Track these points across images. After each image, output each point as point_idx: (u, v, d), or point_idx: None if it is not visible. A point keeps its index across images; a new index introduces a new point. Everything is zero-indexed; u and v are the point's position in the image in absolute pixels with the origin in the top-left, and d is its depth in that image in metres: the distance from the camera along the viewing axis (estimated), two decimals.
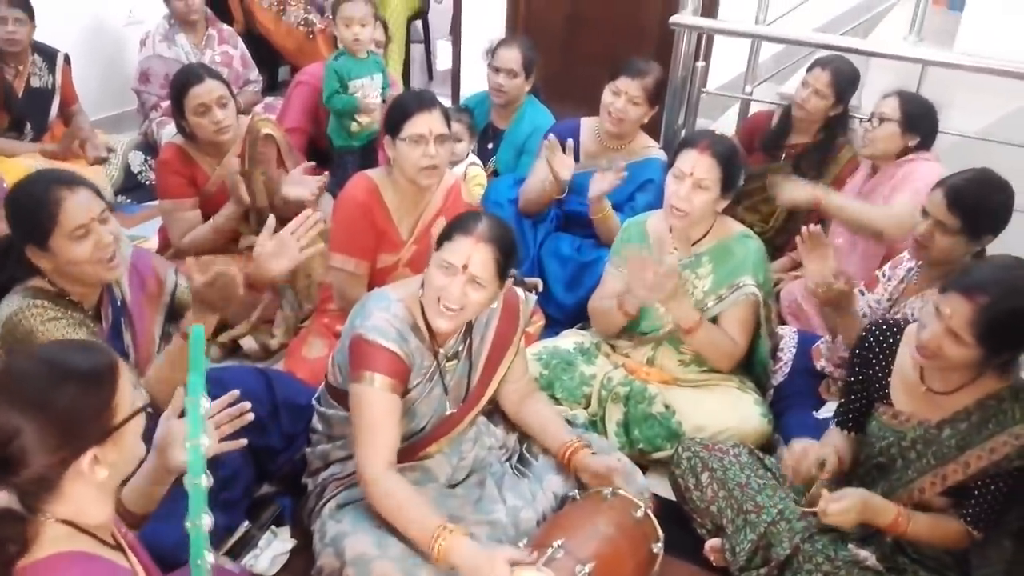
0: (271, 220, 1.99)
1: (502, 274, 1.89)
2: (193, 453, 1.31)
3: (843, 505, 1.79)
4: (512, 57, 3.35)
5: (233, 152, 2.89)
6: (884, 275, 2.42)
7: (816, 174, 3.15)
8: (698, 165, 2.32)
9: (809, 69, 3.16)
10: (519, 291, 2.16)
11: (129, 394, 1.28)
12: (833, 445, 1.97)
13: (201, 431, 1.32)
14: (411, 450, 2.00)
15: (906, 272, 2.35)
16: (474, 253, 1.83)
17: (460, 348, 2.03)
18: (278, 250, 2.05)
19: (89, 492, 1.23)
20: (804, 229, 2.30)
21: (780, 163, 3.25)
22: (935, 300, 1.75)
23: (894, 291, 2.35)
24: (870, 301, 2.41)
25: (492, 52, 3.41)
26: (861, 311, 2.39)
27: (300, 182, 2.83)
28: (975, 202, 2.11)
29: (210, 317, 1.94)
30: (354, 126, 3.41)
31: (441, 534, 1.71)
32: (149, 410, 1.34)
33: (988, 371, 1.77)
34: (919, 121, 2.74)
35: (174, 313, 2.19)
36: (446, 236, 1.89)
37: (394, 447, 1.85)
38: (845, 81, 3.09)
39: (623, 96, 2.95)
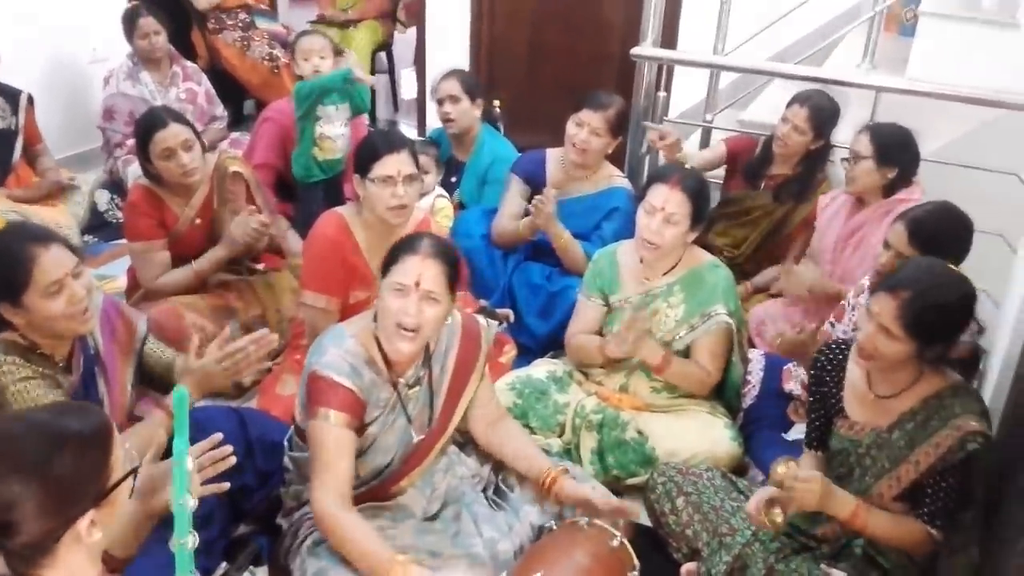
0: (226, 331, 2.07)
1: (452, 287, 1.93)
2: (179, 513, 1.32)
3: (806, 477, 1.81)
4: (451, 85, 3.42)
5: (202, 192, 2.89)
6: (849, 304, 2.48)
7: (794, 205, 3.20)
8: (669, 200, 2.37)
9: (788, 105, 3.17)
10: (480, 319, 2.19)
11: (121, 455, 1.29)
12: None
13: (186, 491, 1.34)
14: (383, 487, 2.01)
15: (867, 301, 2.40)
16: (424, 270, 1.88)
17: (421, 375, 2.04)
18: (229, 367, 2.02)
19: (81, 555, 1.23)
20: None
21: (759, 191, 3.29)
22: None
23: (859, 319, 2.40)
24: (837, 332, 2.46)
25: (434, 89, 3.49)
26: None
27: (242, 224, 2.85)
28: (935, 234, 2.20)
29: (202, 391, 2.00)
30: (317, 152, 3.41)
31: (393, 567, 1.72)
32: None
33: (928, 370, 1.87)
34: (893, 153, 2.76)
35: (140, 367, 2.16)
36: (391, 260, 1.92)
37: (348, 482, 1.86)
38: (824, 116, 3.12)
39: (586, 128, 3.00)
